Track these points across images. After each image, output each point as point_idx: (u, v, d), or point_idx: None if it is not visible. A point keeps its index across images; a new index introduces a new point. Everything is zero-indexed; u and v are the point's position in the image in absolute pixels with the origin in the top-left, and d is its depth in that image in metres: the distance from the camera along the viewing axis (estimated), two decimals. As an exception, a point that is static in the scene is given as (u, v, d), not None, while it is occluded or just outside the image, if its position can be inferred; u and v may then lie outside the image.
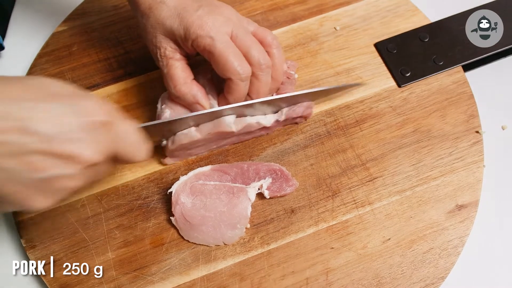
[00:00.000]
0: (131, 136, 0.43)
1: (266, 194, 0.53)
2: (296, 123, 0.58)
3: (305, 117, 0.58)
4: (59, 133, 0.37)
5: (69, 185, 0.39)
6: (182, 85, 0.52)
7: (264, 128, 0.56)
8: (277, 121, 0.56)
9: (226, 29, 0.49)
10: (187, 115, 0.51)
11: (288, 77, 0.58)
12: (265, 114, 0.56)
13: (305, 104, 0.56)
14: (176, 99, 0.53)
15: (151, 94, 0.61)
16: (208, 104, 0.53)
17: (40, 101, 0.37)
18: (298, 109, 0.56)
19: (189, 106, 0.53)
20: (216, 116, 0.53)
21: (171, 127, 0.52)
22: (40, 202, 0.38)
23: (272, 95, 0.56)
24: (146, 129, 0.48)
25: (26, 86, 0.38)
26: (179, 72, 0.52)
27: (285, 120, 0.56)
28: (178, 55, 0.52)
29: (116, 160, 0.43)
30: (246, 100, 0.53)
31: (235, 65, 0.49)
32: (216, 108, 0.53)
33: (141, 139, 0.44)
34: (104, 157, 0.40)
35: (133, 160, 0.44)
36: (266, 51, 0.52)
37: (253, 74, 0.51)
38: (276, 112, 0.56)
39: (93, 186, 0.55)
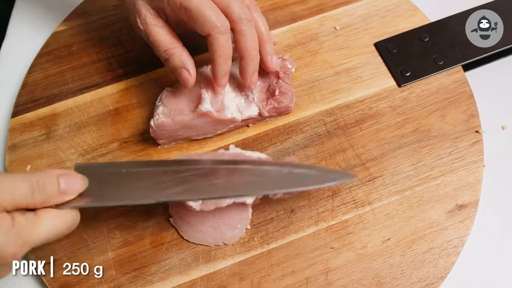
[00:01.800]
0: (53, 234, 0.40)
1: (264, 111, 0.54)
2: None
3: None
4: None
5: None
6: (173, 48, 0.51)
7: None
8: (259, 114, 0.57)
9: None
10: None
11: (284, 72, 0.57)
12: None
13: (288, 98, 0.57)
14: (165, 62, 0.53)
15: (151, 94, 0.61)
16: (195, 73, 0.52)
17: None
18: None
19: (175, 70, 0.52)
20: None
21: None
22: None
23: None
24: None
25: None
26: (166, 37, 0.52)
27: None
28: (160, 21, 0.52)
29: None
30: (241, 63, 0.53)
31: (212, 18, 0.48)
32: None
33: (67, 225, 0.41)
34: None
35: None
36: None
37: (237, 31, 0.50)
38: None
39: None
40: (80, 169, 0.45)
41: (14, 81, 0.65)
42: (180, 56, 0.52)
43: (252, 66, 0.53)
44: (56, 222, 0.40)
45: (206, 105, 0.53)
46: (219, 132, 0.57)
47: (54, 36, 0.67)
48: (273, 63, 0.56)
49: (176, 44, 0.52)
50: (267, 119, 0.58)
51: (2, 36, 0.70)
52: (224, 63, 0.51)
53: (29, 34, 0.69)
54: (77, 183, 0.42)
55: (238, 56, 0.54)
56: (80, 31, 0.67)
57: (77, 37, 0.67)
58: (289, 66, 0.58)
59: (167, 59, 0.52)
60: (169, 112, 0.54)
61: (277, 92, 0.56)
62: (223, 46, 0.50)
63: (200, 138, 0.58)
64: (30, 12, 0.72)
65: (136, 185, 0.45)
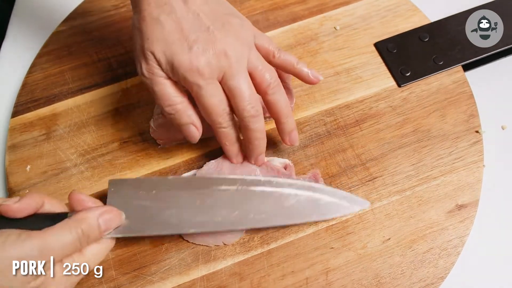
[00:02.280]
0: (96, 263, 0.45)
1: None
2: None
3: None
4: None
5: None
6: (179, 104, 0.48)
7: None
8: None
9: (217, 73, 0.47)
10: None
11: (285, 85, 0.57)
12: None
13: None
14: (169, 116, 0.49)
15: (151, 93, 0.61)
16: (201, 126, 0.51)
17: None
18: None
19: (181, 126, 0.50)
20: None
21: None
22: None
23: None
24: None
25: None
26: (172, 90, 0.48)
27: None
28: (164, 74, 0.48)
29: None
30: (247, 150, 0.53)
31: (217, 116, 0.48)
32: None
33: (106, 252, 0.45)
34: None
35: None
36: (263, 98, 0.51)
37: (242, 126, 0.50)
38: None
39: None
40: (113, 186, 0.49)
41: (14, 81, 0.65)
42: (186, 112, 0.49)
43: (290, 124, 0.52)
44: (97, 253, 0.44)
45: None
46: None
47: (54, 36, 0.67)
48: (294, 140, 0.54)
49: (182, 98, 0.49)
50: (267, 119, 0.58)
51: (2, 36, 0.70)
52: (232, 147, 0.52)
53: (29, 34, 0.69)
54: (115, 221, 0.46)
55: None
56: (80, 31, 0.67)
57: (77, 37, 0.67)
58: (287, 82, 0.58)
59: (172, 115, 0.49)
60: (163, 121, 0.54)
61: None
62: (226, 137, 0.51)
63: (201, 138, 0.58)
64: (30, 12, 0.72)
65: (167, 214, 0.49)
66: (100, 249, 0.44)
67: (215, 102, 0.48)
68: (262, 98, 0.51)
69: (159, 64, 0.47)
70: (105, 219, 0.44)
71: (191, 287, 0.51)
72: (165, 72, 0.47)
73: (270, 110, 0.51)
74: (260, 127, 0.50)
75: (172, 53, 0.46)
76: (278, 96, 0.50)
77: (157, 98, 0.49)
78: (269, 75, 0.49)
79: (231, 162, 0.54)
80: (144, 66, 0.47)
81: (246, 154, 0.54)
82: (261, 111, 0.49)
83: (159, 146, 0.58)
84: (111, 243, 0.46)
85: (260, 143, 0.52)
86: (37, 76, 0.64)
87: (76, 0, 0.70)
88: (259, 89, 0.50)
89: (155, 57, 0.46)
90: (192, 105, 0.50)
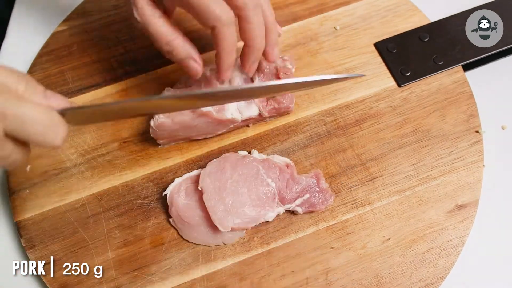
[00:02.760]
0: (32, 120, 0.39)
1: (300, 211, 0.53)
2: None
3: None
4: None
5: None
6: (175, 40, 0.49)
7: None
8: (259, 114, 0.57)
9: None
10: (129, 100, 0.48)
11: (284, 72, 0.57)
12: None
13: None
14: (168, 54, 0.50)
15: (151, 94, 0.61)
16: (202, 62, 0.51)
17: None
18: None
19: (182, 62, 0.50)
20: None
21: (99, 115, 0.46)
22: None
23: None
24: (77, 112, 0.43)
25: None
26: (166, 28, 0.49)
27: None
28: (158, 12, 0.49)
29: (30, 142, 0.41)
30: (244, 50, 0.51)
31: (216, 10, 0.46)
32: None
33: (49, 123, 0.40)
34: None
35: (43, 145, 0.41)
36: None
37: (242, 18, 0.48)
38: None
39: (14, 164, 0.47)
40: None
41: (14, 81, 0.65)
42: (184, 46, 0.49)
43: (255, 55, 0.51)
44: (36, 109, 0.39)
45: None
46: (219, 132, 0.57)
47: (54, 36, 0.67)
48: (274, 54, 0.53)
49: (177, 34, 0.49)
50: (267, 119, 0.58)
51: (2, 36, 0.70)
52: (229, 56, 0.49)
53: (29, 34, 0.69)
54: (61, 99, 0.43)
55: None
56: (80, 31, 0.67)
57: (77, 37, 0.66)
58: (289, 66, 0.58)
59: (170, 52, 0.49)
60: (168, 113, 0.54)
61: None
62: (227, 39, 0.48)
63: (200, 138, 0.58)
64: (30, 12, 0.71)
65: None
66: (42, 112, 0.39)
67: None
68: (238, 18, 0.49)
69: None
70: (52, 93, 0.42)
71: (191, 287, 0.51)
72: (153, 1, 0.48)
73: (242, 31, 0.49)
74: (260, 21, 0.49)
75: None
76: (255, 18, 0.48)
77: (153, 39, 0.49)
78: None
79: (220, 76, 0.51)
80: (135, 11, 0.48)
81: (242, 59, 0.52)
82: (260, 3, 0.48)
83: (159, 146, 0.58)
84: (58, 121, 0.41)
85: (260, 44, 0.50)
86: (37, 76, 0.64)
87: (76, 0, 0.70)
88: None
89: None
90: (190, 42, 0.50)
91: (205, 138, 0.58)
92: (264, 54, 0.53)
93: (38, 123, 0.39)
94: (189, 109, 0.52)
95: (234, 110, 0.55)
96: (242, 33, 0.49)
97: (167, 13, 0.50)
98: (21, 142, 0.41)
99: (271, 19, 0.51)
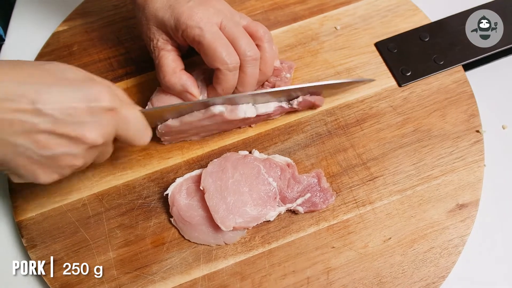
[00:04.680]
0: (134, 121, 0.46)
1: (301, 210, 0.53)
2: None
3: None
4: (67, 116, 0.40)
5: (73, 163, 0.43)
6: (171, 75, 0.53)
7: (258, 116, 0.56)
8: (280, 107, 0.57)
9: (215, 19, 0.50)
10: (180, 104, 0.53)
11: (276, 75, 0.57)
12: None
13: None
14: (167, 90, 0.54)
15: (151, 93, 0.60)
16: (198, 92, 0.54)
17: (53, 85, 0.41)
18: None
19: (179, 95, 0.54)
20: (206, 106, 0.53)
21: (166, 114, 0.53)
22: (45, 176, 0.43)
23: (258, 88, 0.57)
24: (148, 114, 0.50)
25: (41, 71, 0.42)
26: (169, 63, 0.53)
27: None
28: (169, 46, 0.53)
29: (120, 142, 0.48)
30: (234, 92, 0.53)
31: (223, 55, 0.49)
32: (205, 99, 0.54)
33: (143, 124, 0.48)
34: (106, 140, 0.44)
35: (135, 144, 0.48)
36: (257, 45, 0.52)
37: (240, 67, 0.51)
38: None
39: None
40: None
41: (15, 81, 0.65)
42: (180, 82, 0.53)
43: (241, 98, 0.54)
44: (138, 114, 0.47)
45: (219, 106, 0.53)
46: (229, 129, 0.58)
47: (54, 36, 0.67)
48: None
49: (176, 69, 0.53)
50: (276, 116, 0.58)
51: (4, 28, 0.70)
52: (224, 95, 0.53)
53: (29, 34, 0.69)
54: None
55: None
56: (80, 31, 0.67)
57: (77, 37, 0.67)
58: (284, 72, 0.58)
59: (168, 87, 0.54)
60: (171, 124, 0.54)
61: None
62: (228, 82, 0.51)
63: (207, 135, 0.58)
64: (30, 12, 0.72)
65: None
66: (140, 116, 0.47)
67: (220, 41, 0.49)
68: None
69: (162, 25, 0.52)
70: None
71: (192, 287, 0.51)
72: (168, 36, 0.53)
73: (238, 79, 0.53)
74: (255, 73, 0.53)
75: (173, 8, 0.51)
76: (251, 69, 0.52)
77: (157, 70, 0.54)
78: (246, 43, 0.51)
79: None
80: (151, 43, 0.54)
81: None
82: (259, 55, 0.52)
83: (164, 143, 0.58)
84: (148, 126, 0.49)
85: (248, 89, 0.53)
86: (37, 76, 0.63)
87: (76, 0, 0.70)
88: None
89: (157, 21, 0.52)
90: (188, 76, 0.53)
91: (205, 138, 0.58)
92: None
93: (139, 125, 0.47)
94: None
95: (248, 108, 0.55)
96: (237, 78, 0.52)
97: (180, 47, 0.54)
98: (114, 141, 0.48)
99: (269, 64, 0.54)
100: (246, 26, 0.53)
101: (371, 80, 0.60)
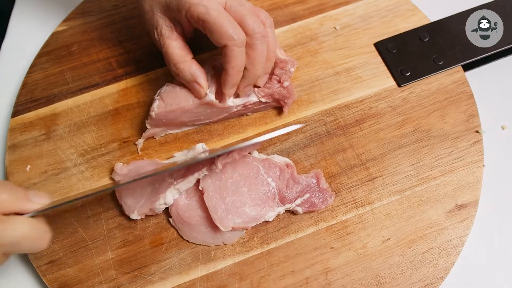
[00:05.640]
0: (22, 239, 0.41)
1: (300, 210, 0.53)
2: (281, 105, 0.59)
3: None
4: None
5: None
6: (182, 63, 0.52)
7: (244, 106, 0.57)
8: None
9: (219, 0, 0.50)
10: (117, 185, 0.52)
11: (282, 68, 0.57)
12: None
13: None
14: (176, 76, 0.54)
15: (151, 93, 0.61)
16: (206, 85, 0.53)
17: None
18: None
19: (188, 84, 0.54)
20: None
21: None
22: None
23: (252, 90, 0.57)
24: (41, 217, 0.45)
25: None
26: (177, 51, 0.53)
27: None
28: (174, 34, 0.53)
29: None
30: (244, 73, 0.53)
31: (230, 31, 0.49)
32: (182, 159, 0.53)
33: (37, 233, 0.42)
34: None
35: (30, 252, 0.45)
36: None
37: (248, 45, 0.51)
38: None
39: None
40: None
41: (14, 81, 0.65)
42: (189, 70, 0.53)
43: (252, 79, 0.54)
44: (24, 228, 0.41)
45: (210, 95, 0.54)
46: (219, 117, 0.58)
47: (54, 36, 0.67)
48: (263, 81, 0.56)
49: (186, 57, 0.53)
50: (265, 105, 0.58)
51: (2, 36, 0.70)
52: (236, 74, 0.52)
53: (29, 34, 0.69)
54: (42, 195, 0.45)
55: None
56: (80, 31, 0.67)
57: (77, 37, 0.67)
58: (289, 67, 0.58)
59: (177, 74, 0.53)
60: (165, 106, 0.54)
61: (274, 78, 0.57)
62: (237, 58, 0.50)
63: (196, 124, 0.59)
64: (30, 12, 0.72)
65: None
66: (28, 226, 0.42)
67: (225, 18, 0.49)
68: None
69: (166, 9, 0.51)
70: (32, 191, 0.45)
71: (191, 287, 0.51)
72: (172, 22, 0.52)
73: (245, 56, 0.52)
74: (264, 50, 0.52)
75: None
76: (260, 46, 0.51)
77: (165, 58, 0.54)
78: (254, 21, 0.51)
79: (224, 92, 0.53)
80: (155, 31, 0.53)
81: (241, 81, 0.54)
82: (267, 33, 0.52)
83: (156, 137, 0.58)
84: (43, 230, 0.43)
85: (259, 71, 0.53)
86: (37, 76, 0.64)
87: (76, 0, 0.70)
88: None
89: (161, 6, 0.51)
90: (198, 66, 0.53)
91: (205, 138, 0.58)
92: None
93: (30, 241, 0.42)
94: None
95: (234, 98, 0.56)
96: (246, 57, 0.52)
97: (184, 33, 0.54)
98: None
99: (272, 49, 0.54)
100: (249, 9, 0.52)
101: (301, 126, 0.58)
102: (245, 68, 0.52)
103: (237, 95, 0.56)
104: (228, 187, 0.52)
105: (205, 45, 0.59)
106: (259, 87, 0.56)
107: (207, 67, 0.55)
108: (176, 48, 0.53)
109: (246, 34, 0.50)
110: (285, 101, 0.58)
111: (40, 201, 0.44)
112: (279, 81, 0.56)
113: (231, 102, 0.55)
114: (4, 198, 0.41)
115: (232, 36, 0.49)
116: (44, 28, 0.68)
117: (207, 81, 0.54)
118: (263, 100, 0.57)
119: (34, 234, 0.42)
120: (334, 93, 0.60)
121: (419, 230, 0.52)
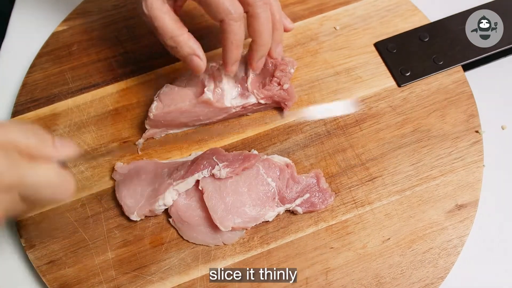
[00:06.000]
0: (45, 183, 0.40)
1: (300, 210, 0.53)
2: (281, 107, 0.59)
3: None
4: None
5: None
6: (180, 36, 0.49)
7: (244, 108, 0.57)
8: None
9: None
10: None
11: (282, 70, 0.57)
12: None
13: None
14: (172, 51, 0.51)
15: (151, 94, 0.61)
16: (205, 58, 0.51)
17: None
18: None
19: (185, 58, 0.51)
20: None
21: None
22: None
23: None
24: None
25: None
26: (172, 23, 0.49)
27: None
28: (165, 7, 0.49)
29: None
30: (251, 46, 0.51)
31: (226, 4, 0.46)
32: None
33: (60, 181, 0.41)
34: (6, 212, 0.40)
35: (55, 201, 0.43)
36: None
37: (250, 14, 0.49)
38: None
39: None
40: None
41: (14, 81, 0.65)
42: (188, 43, 0.50)
43: (263, 51, 0.52)
44: (49, 172, 0.40)
45: (208, 94, 0.53)
46: (219, 118, 0.58)
47: (54, 36, 0.67)
48: (277, 52, 0.54)
49: (182, 30, 0.50)
50: (265, 106, 0.58)
51: (2, 36, 0.70)
52: (236, 50, 0.50)
53: (29, 34, 0.69)
54: (70, 145, 0.43)
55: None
56: (80, 31, 0.67)
57: (77, 37, 0.67)
58: (289, 68, 0.58)
59: (174, 47, 0.50)
60: (163, 107, 0.54)
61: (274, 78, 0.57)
62: (236, 33, 0.48)
63: (196, 125, 0.59)
64: (30, 12, 0.72)
65: None
66: (53, 171, 0.40)
67: None
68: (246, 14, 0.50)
69: None
70: (60, 140, 0.43)
71: (191, 287, 0.51)
72: None
73: (250, 27, 0.50)
74: (268, 17, 0.49)
75: None
76: (263, 14, 0.49)
77: (158, 33, 0.50)
78: None
79: (226, 70, 0.52)
80: (143, 4, 0.49)
81: (249, 55, 0.53)
82: (269, 0, 0.49)
83: (156, 137, 0.58)
84: (68, 179, 0.42)
85: (267, 40, 0.51)
86: (37, 76, 0.64)
87: (76, 0, 0.70)
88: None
89: None
90: (195, 40, 0.50)
91: (205, 139, 0.58)
92: (268, 51, 0.53)
93: (52, 187, 0.40)
94: None
95: (232, 99, 0.56)
96: (250, 29, 0.50)
97: (176, 7, 0.51)
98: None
99: (278, 17, 0.52)
100: None
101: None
102: (252, 41, 0.51)
103: (253, 70, 0.54)
104: (228, 187, 0.52)
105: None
106: (276, 58, 0.55)
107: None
108: (169, 20, 0.49)
109: (246, 3, 0.48)
110: (286, 103, 0.58)
111: (67, 150, 0.43)
112: (279, 83, 0.56)
113: (229, 102, 0.55)
114: (32, 143, 0.40)
115: (228, 10, 0.46)
116: (44, 28, 0.68)
117: (205, 80, 0.54)
118: (263, 101, 0.57)
119: (58, 181, 0.41)
120: (334, 93, 0.60)
121: (419, 230, 0.52)
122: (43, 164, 0.40)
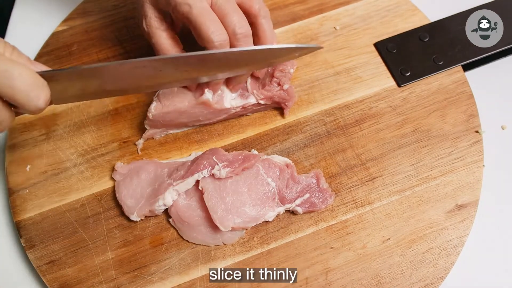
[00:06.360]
0: (20, 77, 0.40)
1: (300, 211, 0.53)
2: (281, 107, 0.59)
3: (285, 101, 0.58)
4: None
5: None
6: (171, 53, 0.52)
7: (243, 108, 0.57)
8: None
9: None
10: (113, 63, 0.45)
11: (282, 70, 0.57)
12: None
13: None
14: None
15: (151, 93, 0.61)
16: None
17: None
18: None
19: None
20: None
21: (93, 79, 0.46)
22: None
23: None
24: (49, 76, 0.43)
25: None
26: (166, 41, 0.53)
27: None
28: (164, 25, 0.53)
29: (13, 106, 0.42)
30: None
31: (209, 32, 0.47)
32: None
33: (34, 83, 0.41)
34: None
35: (26, 107, 0.41)
36: (252, 22, 0.51)
37: (232, 45, 0.50)
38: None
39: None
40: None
41: (14, 81, 0.65)
42: None
43: (241, 78, 0.54)
44: (25, 73, 0.40)
45: (208, 94, 0.54)
46: (219, 118, 0.58)
47: (54, 36, 0.67)
48: (262, 72, 0.56)
49: (175, 48, 0.53)
50: (264, 107, 0.58)
51: (2, 36, 0.70)
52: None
53: (29, 34, 0.69)
54: (42, 66, 0.44)
55: None
56: (80, 31, 0.67)
57: (77, 37, 0.67)
58: (289, 67, 0.58)
59: None
60: (162, 107, 0.54)
61: (274, 80, 0.57)
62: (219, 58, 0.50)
63: (196, 125, 0.59)
64: (30, 12, 0.72)
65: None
66: (28, 72, 0.41)
67: (208, 17, 0.48)
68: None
69: (156, 5, 0.51)
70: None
71: (191, 287, 0.51)
72: (161, 14, 0.52)
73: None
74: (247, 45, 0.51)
75: None
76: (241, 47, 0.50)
77: (155, 49, 0.53)
78: (237, 20, 0.49)
79: (209, 90, 0.54)
80: (144, 21, 0.53)
81: (228, 80, 0.54)
82: (250, 32, 0.50)
83: (156, 137, 0.58)
84: (42, 84, 0.42)
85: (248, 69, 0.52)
86: (37, 76, 0.63)
87: (76, 0, 0.70)
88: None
89: (152, 0, 0.51)
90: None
91: (205, 139, 0.58)
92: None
93: (25, 80, 0.40)
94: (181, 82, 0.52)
95: (232, 100, 0.56)
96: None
97: (174, 25, 0.54)
98: (6, 104, 0.42)
99: (266, 39, 0.53)
100: (240, 2, 0.51)
101: (318, 47, 0.51)
102: None
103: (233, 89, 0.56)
104: (228, 187, 0.52)
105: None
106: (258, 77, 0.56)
107: None
108: (165, 39, 0.53)
109: (228, 34, 0.49)
110: (286, 103, 0.58)
111: (41, 68, 0.44)
112: (279, 84, 0.56)
113: (229, 103, 0.55)
114: (7, 52, 0.41)
115: (210, 38, 0.48)
116: (44, 28, 0.68)
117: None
118: (262, 102, 0.57)
119: (32, 77, 0.41)
120: (334, 93, 0.60)
121: (419, 230, 0.52)
122: (20, 64, 0.41)
